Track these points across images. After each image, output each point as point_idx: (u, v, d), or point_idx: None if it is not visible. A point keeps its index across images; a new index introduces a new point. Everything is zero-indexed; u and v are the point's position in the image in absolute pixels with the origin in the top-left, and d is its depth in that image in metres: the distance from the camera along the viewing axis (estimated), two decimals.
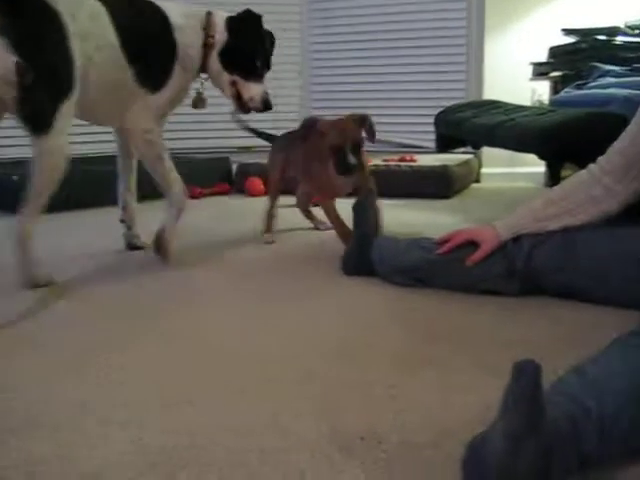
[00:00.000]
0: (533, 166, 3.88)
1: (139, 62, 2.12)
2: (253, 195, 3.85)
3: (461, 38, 4.41)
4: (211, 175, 4.09)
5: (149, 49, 2.15)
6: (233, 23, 2.26)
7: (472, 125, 2.54)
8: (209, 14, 2.24)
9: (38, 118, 1.86)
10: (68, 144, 1.94)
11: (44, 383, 1.31)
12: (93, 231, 2.94)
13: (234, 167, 4.19)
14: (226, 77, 2.27)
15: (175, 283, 2.05)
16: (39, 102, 1.84)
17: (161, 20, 2.18)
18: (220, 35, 2.24)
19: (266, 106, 2.31)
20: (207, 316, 1.72)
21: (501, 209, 3.27)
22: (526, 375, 0.83)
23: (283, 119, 4.09)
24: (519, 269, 1.76)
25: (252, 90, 2.28)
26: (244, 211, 3.37)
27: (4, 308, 1.81)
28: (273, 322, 1.66)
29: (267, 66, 2.34)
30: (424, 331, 1.57)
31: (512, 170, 4.31)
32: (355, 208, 2.10)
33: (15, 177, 3.27)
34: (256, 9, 2.30)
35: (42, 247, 2.01)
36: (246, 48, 2.27)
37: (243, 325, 1.65)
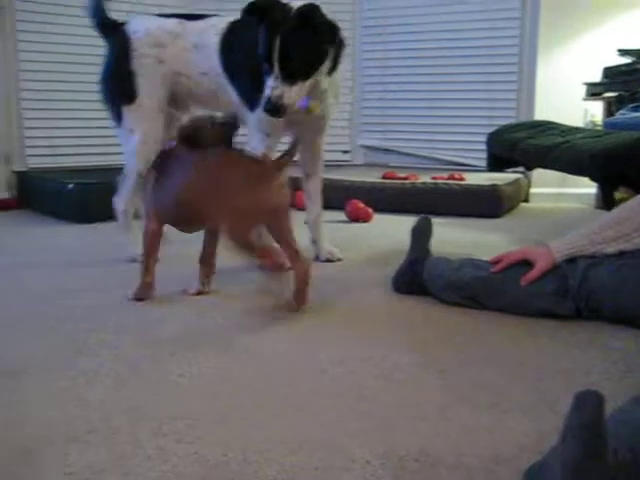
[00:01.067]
0: (583, 187, 3.83)
1: (238, 84, 2.29)
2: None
3: (513, 57, 4.37)
4: None
5: (244, 72, 2.25)
6: None
7: (526, 146, 2.52)
8: None
9: (111, 115, 2.43)
10: (143, 139, 2.36)
11: (102, 386, 1.34)
12: None
13: None
14: None
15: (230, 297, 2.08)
16: (109, 104, 2.44)
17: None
18: None
19: (266, 108, 2.05)
20: (263, 331, 1.73)
21: (551, 229, 3.24)
22: (588, 405, 0.82)
23: (333, 134, 4.10)
24: (573, 288, 1.74)
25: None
26: None
27: (61, 309, 1.86)
28: (323, 340, 1.67)
29: (272, 58, 2.01)
30: (476, 353, 1.56)
31: (562, 190, 4.26)
32: (414, 230, 2.10)
33: (71, 185, 3.34)
34: None
35: None
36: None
37: (296, 341, 1.66)
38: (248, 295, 2.04)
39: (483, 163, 3.43)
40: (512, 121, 4.31)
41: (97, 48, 4.13)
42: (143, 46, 2.34)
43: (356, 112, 4.82)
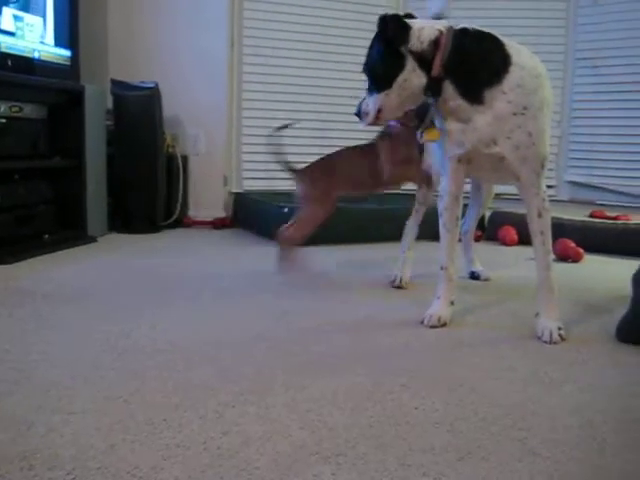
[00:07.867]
0: None
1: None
2: (507, 244, 3.85)
3: None
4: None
5: None
6: None
7: None
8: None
9: None
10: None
11: (342, 411, 1.42)
12: None
13: (487, 214, 4.08)
14: None
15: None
16: None
17: None
18: None
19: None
20: (497, 371, 1.76)
21: None
22: None
23: None
24: None
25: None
26: (495, 260, 3.36)
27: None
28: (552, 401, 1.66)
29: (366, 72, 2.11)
30: None
31: None
32: (635, 277, 2.01)
33: (286, 209, 3.53)
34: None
35: None
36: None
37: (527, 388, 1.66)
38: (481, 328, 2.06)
39: None
40: None
41: (318, 71, 4.36)
42: None
43: (564, 146, 4.69)
